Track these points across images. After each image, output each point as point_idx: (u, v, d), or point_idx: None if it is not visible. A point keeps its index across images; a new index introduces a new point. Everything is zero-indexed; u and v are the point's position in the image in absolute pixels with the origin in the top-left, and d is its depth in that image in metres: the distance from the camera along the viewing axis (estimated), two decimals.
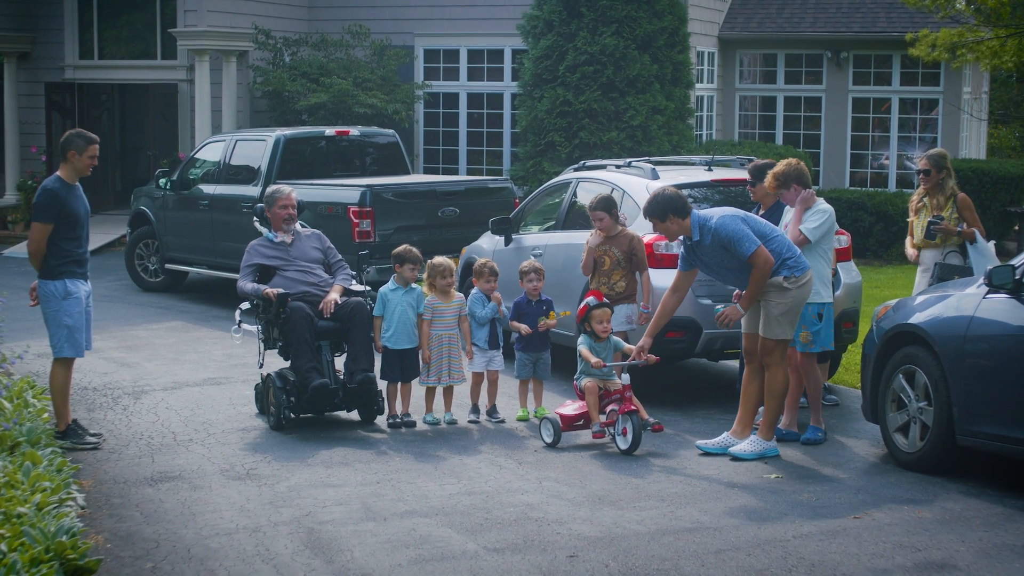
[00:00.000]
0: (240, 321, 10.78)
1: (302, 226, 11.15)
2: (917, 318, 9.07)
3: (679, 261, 9.77)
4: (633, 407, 9.50)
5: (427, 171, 23.83)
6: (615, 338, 10.06)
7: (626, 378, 9.75)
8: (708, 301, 10.90)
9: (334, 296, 10.54)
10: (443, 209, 15.59)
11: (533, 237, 12.88)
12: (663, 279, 11.05)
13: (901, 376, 9.11)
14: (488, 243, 13.57)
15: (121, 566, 6.93)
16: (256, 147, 16.81)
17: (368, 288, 10.85)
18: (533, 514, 7.88)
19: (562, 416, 9.83)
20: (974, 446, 8.56)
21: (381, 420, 10.46)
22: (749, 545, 7.29)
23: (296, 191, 11.11)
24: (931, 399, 8.79)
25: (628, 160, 12.61)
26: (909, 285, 11.95)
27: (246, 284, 10.72)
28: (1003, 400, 8.32)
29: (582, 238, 11.16)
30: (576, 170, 13.03)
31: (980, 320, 8.57)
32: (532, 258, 12.41)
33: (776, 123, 25.73)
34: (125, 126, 27.56)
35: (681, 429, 10.15)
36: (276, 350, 10.72)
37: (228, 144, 17.44)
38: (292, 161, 16.55)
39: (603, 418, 9.64)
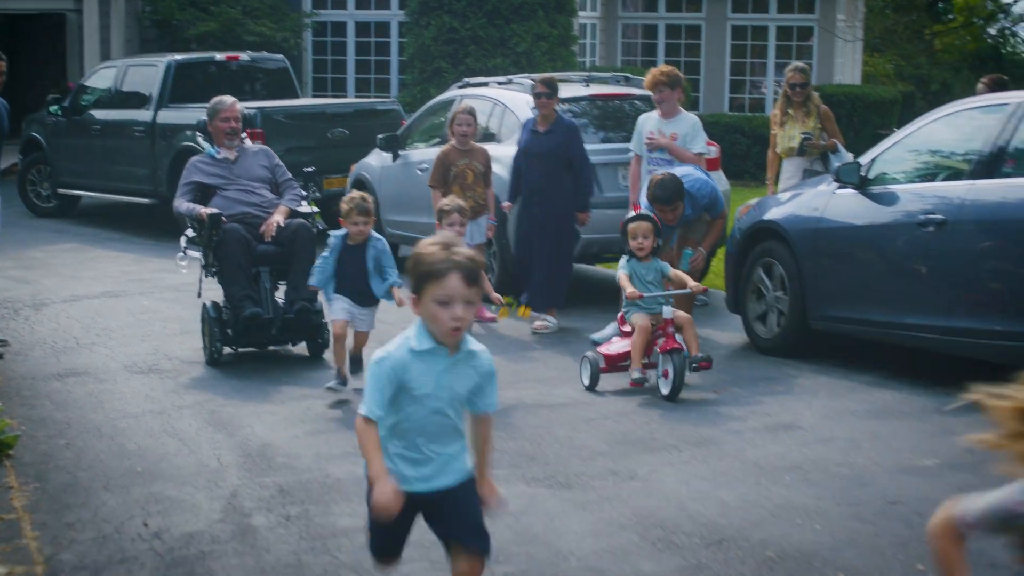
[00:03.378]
0: (185, 248, 9.98)
1: (250, 142, 10.36)
2: (774, 215, 9.82)
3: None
4: (676, 345, 8.36)
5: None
6: (662, 262, 8.89)
7: (667, 311, 8.52)
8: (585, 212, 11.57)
9: (277, 218, 9.66)
10: (332, 130, 16.04)
11: (419, 153, 13.42)
12: None
13: (760, 269, 9.85)
14: (376, 160, 14.11)
15: (36, 443, 7.43)
16: (147, 72, 17.12)
17: (317, 210, 10.12)
18: None
19: (606, 356, 8.74)
20: (825, 329, 9.35)
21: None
22: (616, 415, 7.99)
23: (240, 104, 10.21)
24: (787, 289, 9.56)
25: (509, 77, 13.21)
26: None
27: (181, 204, 9.81)
28: (849, 286, 9.11)
29: None
30: (459, 88, 13.60)
31: (830, 215, 9.33)
32: (419, 173, 13.00)
33: (658, 51, 26.39)
34: (14, 56, 27.40)
35: (559, 323, 10.79)
36: (215, 277, 9.80)
37: (120, 70, 17.72)
38: (183, 86, 16.85)
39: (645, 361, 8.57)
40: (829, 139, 12.48)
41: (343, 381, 8.48)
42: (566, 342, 10.18)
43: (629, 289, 8.52)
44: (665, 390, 8.32)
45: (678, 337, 8.43)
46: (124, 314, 11.50)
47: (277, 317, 9.41)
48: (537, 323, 10.59)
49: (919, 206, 8.60)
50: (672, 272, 8.75)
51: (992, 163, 8.34)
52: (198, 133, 10.49)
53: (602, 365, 8.65)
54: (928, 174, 9.01)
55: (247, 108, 15.53)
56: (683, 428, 7.68)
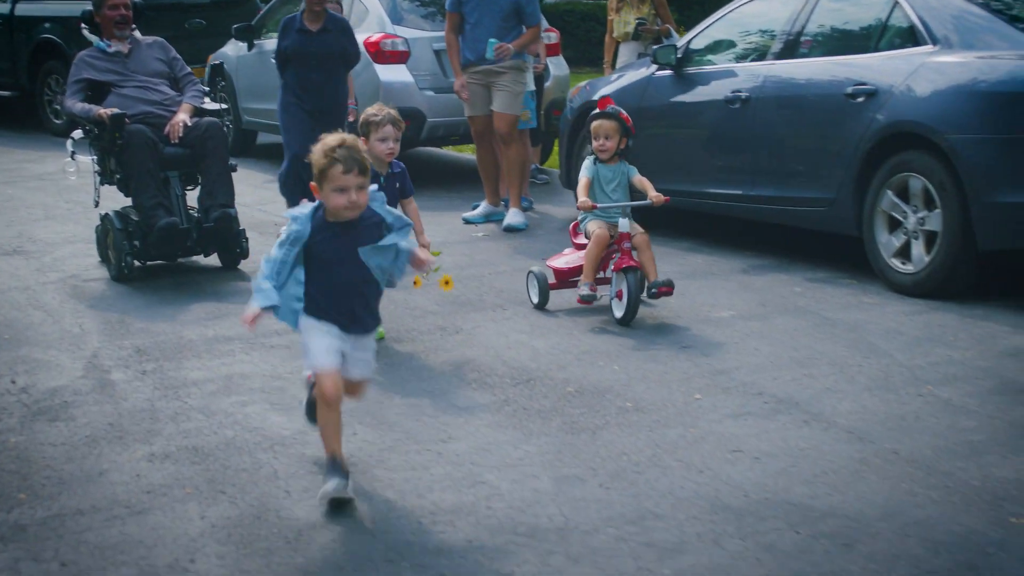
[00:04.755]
0: (73, 152, 9.27)
1: (141, 34, 9.54)
2: (602, 94, 10.55)
3: (450, 4, 10.55)
4: (633, 262, 7.53)
5: None
6: (629, 165, 8.01)
7: (624, 223, 7.67)
8: (431, 93, 12.25)
9: (182, 117, 8.93)
10: (190, 21, 16.40)
11: (274, 42, 13.84)
12: (390, 74, 12.32)
13: (589, 147, 10.57)
14: (233, 50, 14.57)
15: None
16: None
17: (224, 106, 9.19)
18: None
19: (555, 270, 8.03)
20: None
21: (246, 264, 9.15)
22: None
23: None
24: None
25: None
26: None
27: (75, 104, 8.99)
28: (668, 160, 9.91)
29: None
30: None
31: (650, 93, 10.10)
32: (274, 62, 13.43)
33: None
34: None
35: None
36: (116, 185, 9.10)
37: None
38: None
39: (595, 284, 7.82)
40: (662, 24, 13.26)
41: (345, 475, 4.91)
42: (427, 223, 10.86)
43: (582, 198, 7.71)
44: (619, 312, 7.54)
45: (635, 254, 7.65)
46: None
47: (193, 226, 8.76)
48: None
49: (726, 85, 9.41)
50: (637, 179, 7.89)
51: (791, 44, 9.15)
52: (83, 25, 9.57)
53: (551, 280, 7.99)
54: (737, 55, 9.79)
55: None
56: (510, 291, 8.45)
